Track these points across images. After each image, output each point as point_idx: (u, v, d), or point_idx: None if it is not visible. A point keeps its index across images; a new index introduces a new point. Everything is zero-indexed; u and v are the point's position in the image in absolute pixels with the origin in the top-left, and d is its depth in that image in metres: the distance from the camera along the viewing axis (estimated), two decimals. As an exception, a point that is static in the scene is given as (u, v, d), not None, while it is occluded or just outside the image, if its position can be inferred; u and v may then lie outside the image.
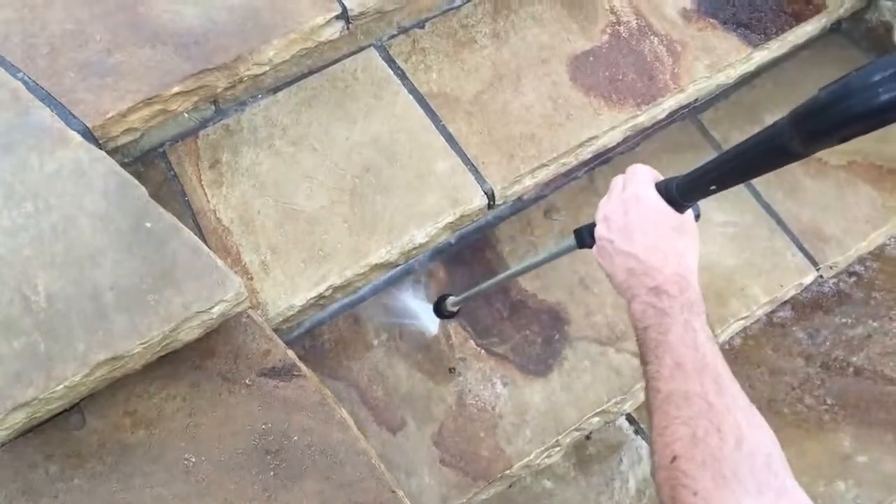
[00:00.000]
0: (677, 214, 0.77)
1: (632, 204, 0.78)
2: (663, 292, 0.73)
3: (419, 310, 1.43)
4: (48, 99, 1.13)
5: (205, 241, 1.19)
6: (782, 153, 0.61)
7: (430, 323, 1.42)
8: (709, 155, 1.68)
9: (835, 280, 1.63)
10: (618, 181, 0.83)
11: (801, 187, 1.59)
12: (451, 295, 1.38)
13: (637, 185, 0.79)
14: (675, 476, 0.60)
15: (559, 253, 1.01)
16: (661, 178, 0.81)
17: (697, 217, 0.80)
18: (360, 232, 1.26)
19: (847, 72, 0.52)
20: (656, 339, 0.71)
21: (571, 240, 0.92)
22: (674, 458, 0.61)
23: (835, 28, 1.73)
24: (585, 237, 0.88)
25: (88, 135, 1.13)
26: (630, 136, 1.45)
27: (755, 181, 1.57)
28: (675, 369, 0.67)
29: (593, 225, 0.86)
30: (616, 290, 0.80)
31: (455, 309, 1.39)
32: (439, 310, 1.40)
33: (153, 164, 1.32)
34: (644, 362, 0.72)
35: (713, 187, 0.73)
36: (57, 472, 0.98)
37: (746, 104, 1.68)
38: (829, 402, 1.50)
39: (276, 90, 1.39)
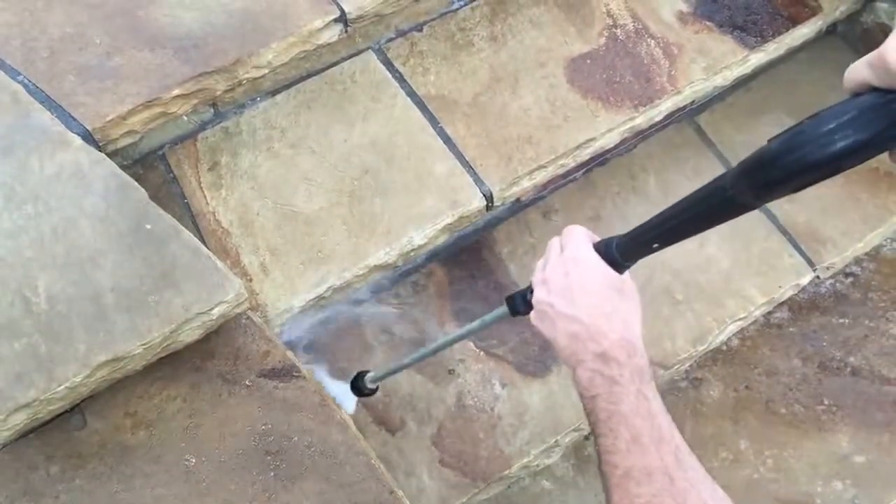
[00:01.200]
0: (618, 275, 0.75)
1: (571, 265, 0.75)
2: (611, 359, 0.69)
3: (335, 390, 1.33)
4: (48, 102, 1.13)
5: (204, 243, 1.20)
6: (732, 206, 0.59)
7: (347, 402, 1.33)
8: (706, 157, 1.70)
9: (832, 281, 1.64)
10: (554, 243, 0.81)
11: (797, 188, 1.60)
12: (369, 371, 1.28)
13: (575, 245, 0.77)
14: None
15: (490, 321, 0.96)
16: (597, 238, 0.79)
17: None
18: (359, 233, 1.27)
19: (798, 121, 0.50)
20: (608, 410, 0.68)
21: (503, 307, 0.89)
22: None
23: (831, 30, 1.74)
24: (518, 304, 0.85)
25: (88, 137, 1.13)
26: (627, 137, 1.46)
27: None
28: (632, 443, 0.64)
29: (525, 291, 0.83)
30: (559, 356, 0.77)
31: (374, 386, 1.29)
32: (357, 387, 1.30)
33: (152, 167, 1.33)
34: (596, 434, 0.69)
35: (656, 245, 0.71)
36: (58, 472, 0.98)
37: (743, 106, 1.69)
38: (826, 402, 1.50)
39: (274, 93, 1.39)
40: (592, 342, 0.71)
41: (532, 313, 0.81)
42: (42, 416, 0.94)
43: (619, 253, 0.74)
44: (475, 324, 1.01)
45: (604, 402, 0.68)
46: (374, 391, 1.31)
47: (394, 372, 1.23)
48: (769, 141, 0.52)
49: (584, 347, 0.72)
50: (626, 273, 0.76)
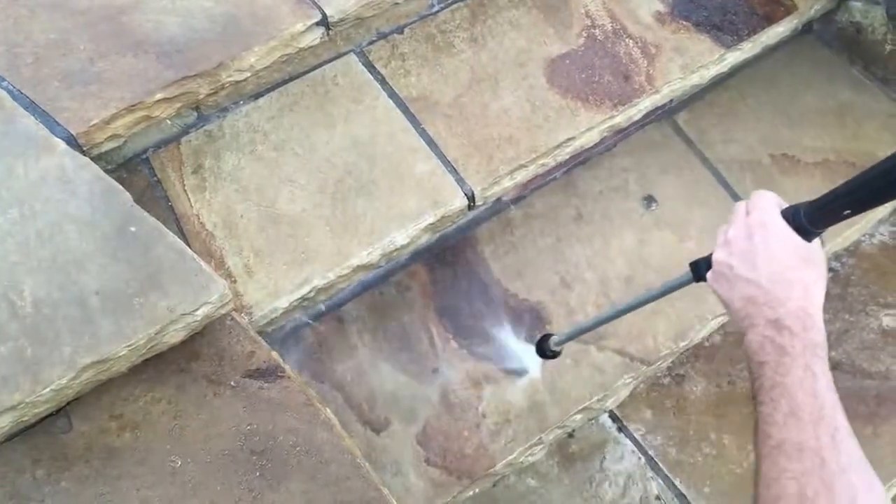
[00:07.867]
0: (805, 243, 0.72)
1: (757, 229, 0.74)
2: (785, 327, 0.67)
3: (520, 352, 1.40)
4: (32, 107, 1.14)
5: (188, 246, 1.21)
6: None
7: (532, 364, 1.39)
8: (684, 154, 1.71)
9: (811, 276, 1.66)
10: (741, 206, 0.79)
11: (775, 184, 1.62)
12: (553, 335, 1.31)
13: (762, 210, 0.75)
14: None
15: (674, 286, 0.95)
16: (786, 204, 0.76)
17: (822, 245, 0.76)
18: (342, 234, 1.28)
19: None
20: (773, 379, 0.66)
21: (687, 273, 0.88)
22: None
23: (806, 29, 1.77)
24: (702, 269, 0.84)
25: (73, 142, 1.14)
26: (607, 136, 1.48)
27: (725, 175, 1.60)
28: (790, 416, 0.63)
29: (709, 256, 0.82)
30: (731, 318, 0.76)
31: (558, 349, 1.32)
32: (542, 350, 1.33)
33: (136, 171, 1.33)
34: (756, 401, 0.68)
35: (847, 212, 0.68)
36: (44, 476, 0.99)
37: (721, 104, 1.72)
38: (807, 395, 1.52)
39: (257, 96, 1.41)
40: (768, 307, 0.70)
41: (709, 273, 0.79)
42: (28, 419, 0.95)
43: (808, 220, 0.72)
44: (657, 290, 1.00)
45: (770, 370, 0.67)
46: (557, 353, 1.34)
47: (575, 335, 1.26)
48: None
49: (758, 312, 0.70)
50: (816, 241, 0.74)
